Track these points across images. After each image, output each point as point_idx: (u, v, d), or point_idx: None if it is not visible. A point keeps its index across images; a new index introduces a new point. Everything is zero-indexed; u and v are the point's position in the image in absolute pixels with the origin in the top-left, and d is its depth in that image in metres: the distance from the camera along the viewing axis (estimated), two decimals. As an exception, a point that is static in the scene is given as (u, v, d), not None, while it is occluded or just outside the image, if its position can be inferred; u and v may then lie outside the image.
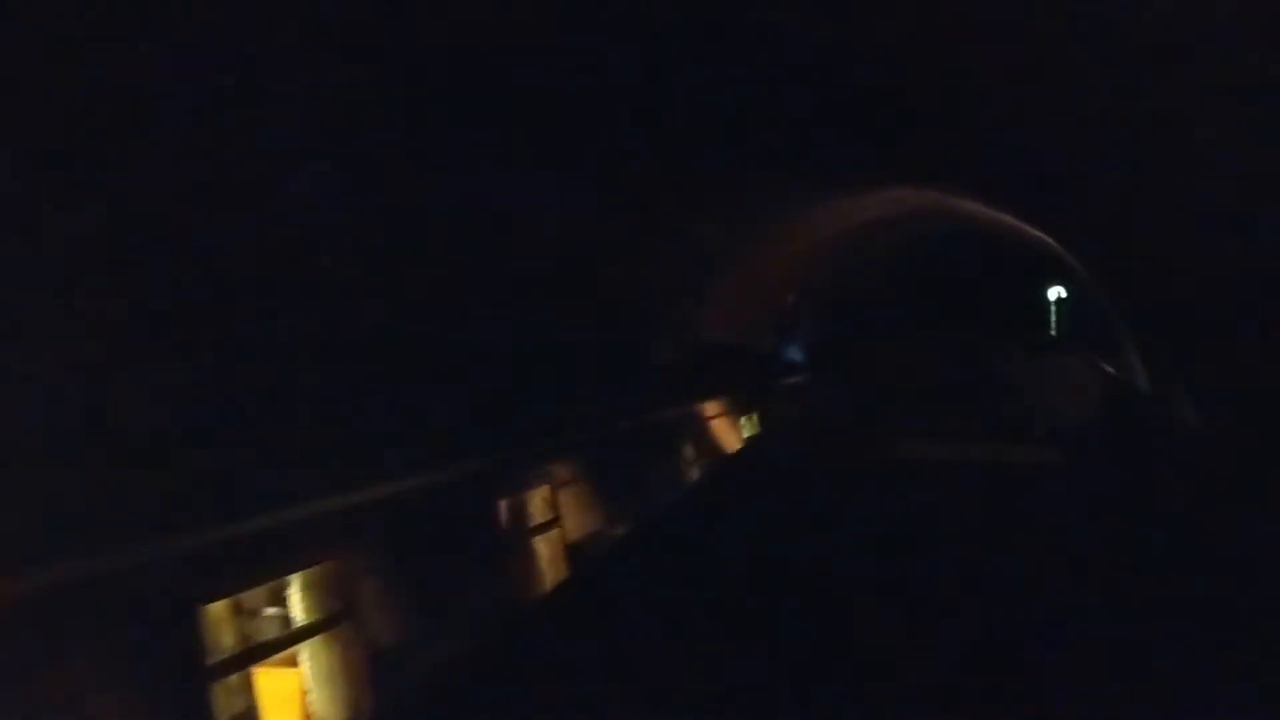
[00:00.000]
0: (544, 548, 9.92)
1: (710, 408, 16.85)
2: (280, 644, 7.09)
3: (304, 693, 7.33)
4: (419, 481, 8.28)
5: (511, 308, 10.52)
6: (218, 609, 6.79)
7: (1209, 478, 9.27)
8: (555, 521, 10.05)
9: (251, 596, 7.23)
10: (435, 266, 9.41)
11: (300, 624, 7.27)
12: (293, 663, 7.35)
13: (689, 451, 14.73)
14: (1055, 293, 35.20)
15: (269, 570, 7.12)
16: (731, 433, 17.82)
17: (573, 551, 10.01)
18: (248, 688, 6.91)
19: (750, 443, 17.07)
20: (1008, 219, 20.49)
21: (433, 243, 9.31)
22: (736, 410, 18.32)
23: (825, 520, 8.11)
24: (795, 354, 23.71)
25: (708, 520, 8.68)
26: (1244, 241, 7.28)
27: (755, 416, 19.29)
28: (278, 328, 7.35)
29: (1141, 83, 6.75)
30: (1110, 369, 21.84)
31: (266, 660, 7.00)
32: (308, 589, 7.37)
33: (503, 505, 9.29)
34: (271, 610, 7.38)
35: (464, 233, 9.71)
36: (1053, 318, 35.71)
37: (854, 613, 5.78)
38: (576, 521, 10.29)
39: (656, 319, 15.12)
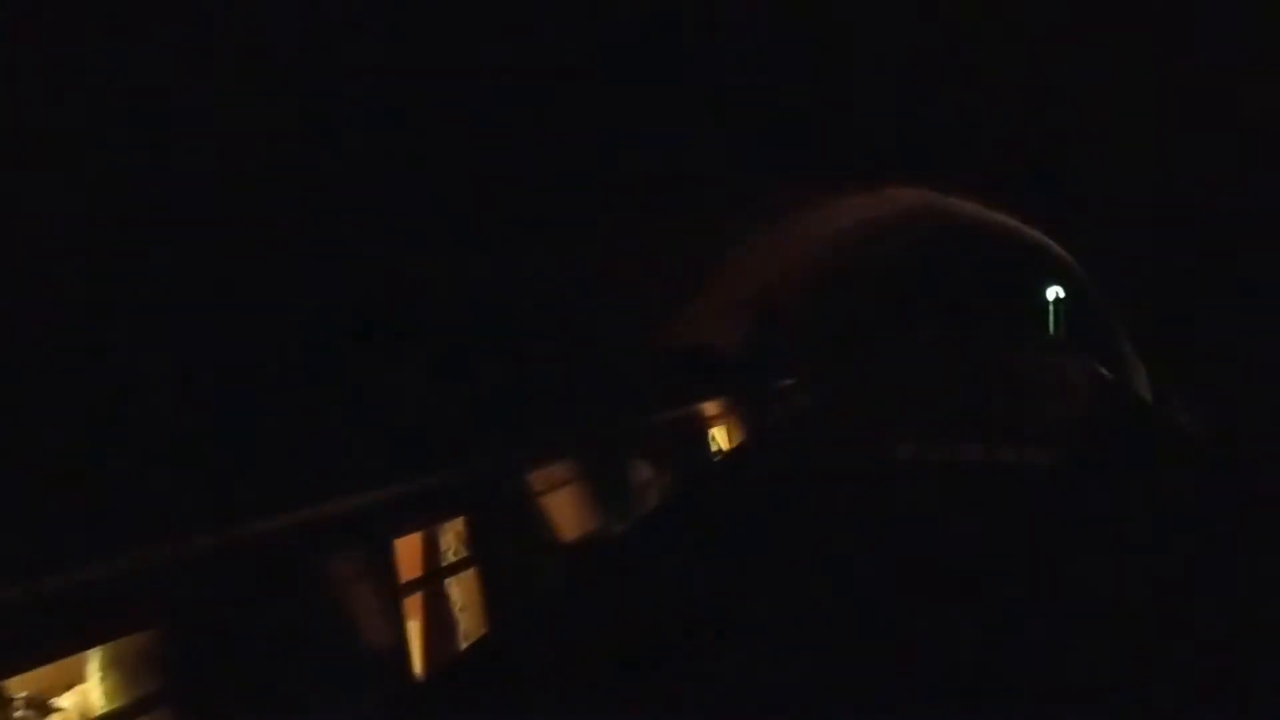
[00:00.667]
0: (457, 593, 8.10)
1: (683, 415, 14.98)
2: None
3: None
4: (279, 524, 6.45)
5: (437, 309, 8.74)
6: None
7: (1200, 481, 8.83)
8: (471, 561, 8.19)
9: (29, 680, 5.41)
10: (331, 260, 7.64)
11: (100, 713, 5.45)
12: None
13: (650, 468, 12.85)
14: (1054, 293, 34.08)
15: (56, 646, 5.32)
16: (710, 443, 15.94)
17: (493, 597, 8.16)
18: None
19: (731, 453, 15.19)
20: (1006, 219, 19.93)
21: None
22: (717, 417, 16.44)
23: (814, 545, 6.73)
24: (784, 356, 21.92)
25: (664, 554, 6.82)
26: (1245, 244, 7.17)
27: (739, 423, 17.40)
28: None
29: (1143, 83, 6.59)
30: (1106, 371, 21.16)
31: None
32: (114, 667, 5.56)
33: (400, 546, 7.43)
34: (60, 698, 5.57)
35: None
36: (1051, 318, 34.43)
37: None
38: (500, 559, 8.42)
39: (625, 322, 13.30)
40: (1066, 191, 11.78)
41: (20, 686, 5.37)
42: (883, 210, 20.38)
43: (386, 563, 7.17)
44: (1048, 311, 34.47)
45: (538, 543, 9.13)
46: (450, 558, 8.11)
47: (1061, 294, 33.33)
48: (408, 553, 7.56)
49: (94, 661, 5.49)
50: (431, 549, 8.04)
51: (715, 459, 15.13)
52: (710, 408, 16.05)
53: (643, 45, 8.31)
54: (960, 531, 6.92)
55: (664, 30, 8.09)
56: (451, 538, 8.13)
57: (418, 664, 7.46)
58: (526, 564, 8.67)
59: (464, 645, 7.89)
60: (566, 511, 10.04)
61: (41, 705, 5.50)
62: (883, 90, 9.77)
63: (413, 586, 7.51)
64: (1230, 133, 6.33)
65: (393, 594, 7.15)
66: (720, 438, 16.31)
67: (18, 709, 5.37)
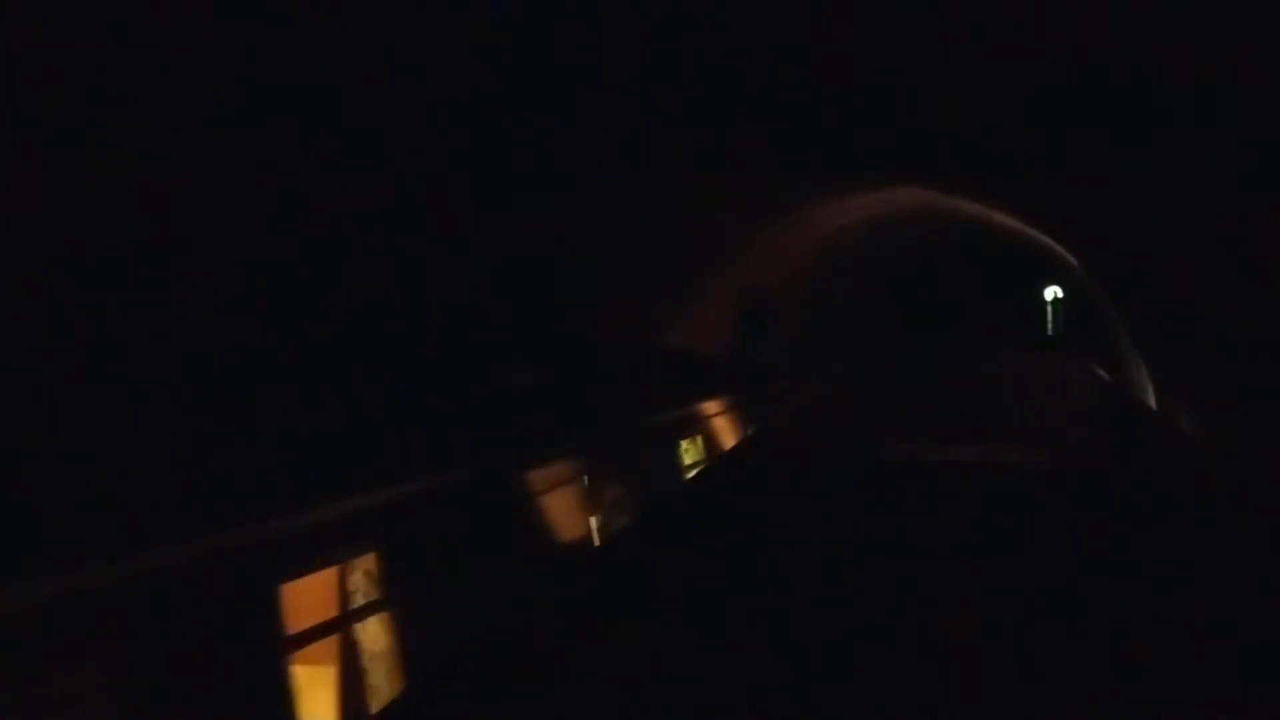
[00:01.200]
0: (368, 640, 6.77)
1: (673, 420, 13.59)
2: None
3: None
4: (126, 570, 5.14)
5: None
6: None
7: (1199, 482, 8.61)
8: (385, 603, 6.85)
9: None
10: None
11: None
12: None
13: (627, 479, 11.47)
14: (1052, 293, 33.32)
15: None
16: (697, 450, 14.54)
17: (410, 644, 6.82)
18: None
19: (724, 456, 13.82)
20: (1006, 219, 19.49)
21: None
22: (709, 421, 15.05)
23: (809, 545, 6.31)
24: (782, 356, 20.70)
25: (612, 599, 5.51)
26: (1246, 244, 7.06)
27: (735, 425, 16.02)
28: None
29: (1144, 84, 6.44)
30: (1104, 372, 20.74)
31: None
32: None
33: (290, 590, 6.10)
34: None
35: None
36: (1049, 318, 33.48)
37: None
38: (420, 599, 7.07)
39: (594, 323, 12.00)
40: (1067, 191, 11.42)
41: None
42: (883, 210, 19.88)
43: (269, 610, 5.85)
44: (1047, 311, 33.58)
45: (476, 574, 7.81)
46: (359, 600, 6.78)
47: (1061, 294, 32.47)
48: (302, 598, 6.24)
49: None
50: (337, 591, 6.72)
51: (704, 464, 13.80)
52: (704, 410, 14.75)
53: (642, 46, 7.95)
54: (958, 531, 6.67)
55: (665, 32, 7.76)
56: (360, 577, 6.80)
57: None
58: (458, 600, 7.34)
59: (374, 704, 6.58)
60: (520, 532, 8.75)
61: None
62: (883, 90, 9.44)
63: (307, 637, 6.18)
64: (1230, 130, 6.09)
65: (277, 648, 5.84)
66: (713, 441, 14.97)
67: None
